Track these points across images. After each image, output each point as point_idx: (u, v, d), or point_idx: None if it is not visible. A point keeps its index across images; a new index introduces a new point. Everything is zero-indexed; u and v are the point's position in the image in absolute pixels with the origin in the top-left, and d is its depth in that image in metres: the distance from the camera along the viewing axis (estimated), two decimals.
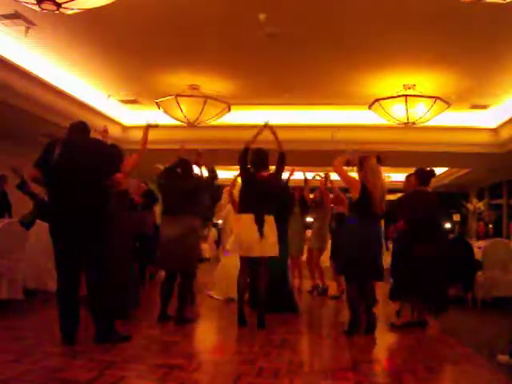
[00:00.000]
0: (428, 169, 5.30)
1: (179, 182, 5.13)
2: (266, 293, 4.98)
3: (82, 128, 4.23)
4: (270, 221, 4.94)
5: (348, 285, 4.93)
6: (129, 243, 5.23)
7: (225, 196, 6.96)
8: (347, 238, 5.01)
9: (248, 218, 4.89)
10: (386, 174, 14.22)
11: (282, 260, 5.77)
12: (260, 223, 4.84)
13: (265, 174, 5.08)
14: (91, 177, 3.97)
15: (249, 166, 5.10)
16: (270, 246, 4.89)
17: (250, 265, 5.05)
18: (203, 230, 5.88)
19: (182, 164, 5.24)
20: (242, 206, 5.10)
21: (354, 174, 5.12)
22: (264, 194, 4.98)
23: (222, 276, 6.79)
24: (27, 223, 4.75)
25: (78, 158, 3.96)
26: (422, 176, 5.24)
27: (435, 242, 5.14)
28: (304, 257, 7.98)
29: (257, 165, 5.07)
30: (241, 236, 4.94)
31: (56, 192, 4.01)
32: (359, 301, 4.85)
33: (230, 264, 6.21)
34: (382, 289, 6.46)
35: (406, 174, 5.86)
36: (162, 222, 5.24)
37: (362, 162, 4.86)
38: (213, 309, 6.20)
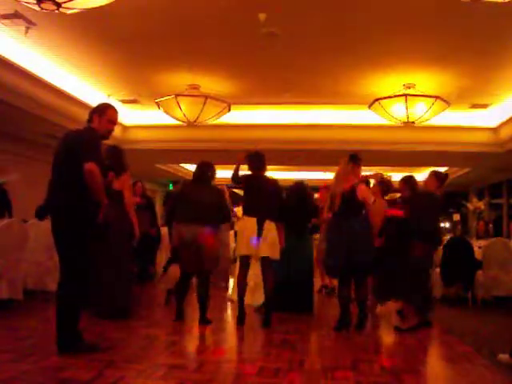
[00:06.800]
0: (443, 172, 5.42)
1: (196, 190, 5.10)
2: (272, 293, 5.02)
3: (92, 113, 3.84)
4: (270, 225, 4.98)
5: (338, 282, 5.02)
6: (126, 244, 5.21)
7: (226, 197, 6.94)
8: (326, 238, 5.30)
9: (251, 220, 4.97)
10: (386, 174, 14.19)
11: (308, 260, 6.02)
12: (260, 225, 4.92)
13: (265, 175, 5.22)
14: (62, 171, 3.62)
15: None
16: (267, 247, 4.92)
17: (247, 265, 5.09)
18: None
19: (201, 166, 5.22)
20: (247, 209, 5.13)
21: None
22: (267, 195, 5.04)
23: None
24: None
25: (57, 151, 3.70)
26: (441, 178, 5.31)
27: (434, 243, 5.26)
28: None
29: (256, 167, 5.18)
30: (242, 235, 5.02)
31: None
32: (349, 297, 4.90)
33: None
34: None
35: (402, 176, 5.88)
36: (183, 228, 5.05)
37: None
38: (212, 309, 6.19)
